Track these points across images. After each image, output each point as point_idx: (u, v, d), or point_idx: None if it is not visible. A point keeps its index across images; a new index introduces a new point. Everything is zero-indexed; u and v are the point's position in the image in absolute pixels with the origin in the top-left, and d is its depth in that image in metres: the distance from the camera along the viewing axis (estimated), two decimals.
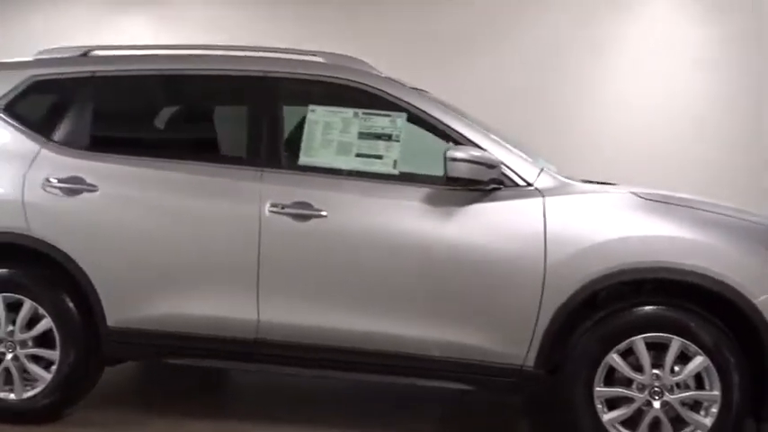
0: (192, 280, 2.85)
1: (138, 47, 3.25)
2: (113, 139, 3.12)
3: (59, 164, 2.95)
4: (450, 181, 2.64)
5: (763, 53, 5.92)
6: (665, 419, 2.56)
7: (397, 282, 2.72)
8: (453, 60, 6.01)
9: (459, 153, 2.60)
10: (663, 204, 2.71)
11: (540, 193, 2.70)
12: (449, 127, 2.82)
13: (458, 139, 2.79)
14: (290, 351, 2.84)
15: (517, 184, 2.73)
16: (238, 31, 6.54)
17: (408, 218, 2.73)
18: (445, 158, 2.61)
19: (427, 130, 2.87)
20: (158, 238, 2.85)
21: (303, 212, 2.75)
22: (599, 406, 2.62)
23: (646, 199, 2.70)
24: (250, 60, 3.03)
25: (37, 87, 3.11)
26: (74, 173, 2.91)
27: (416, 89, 2.99)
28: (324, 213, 2.73)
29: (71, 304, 2.93)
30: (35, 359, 2.96)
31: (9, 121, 3.06)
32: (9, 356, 2.97)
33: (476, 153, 2.62)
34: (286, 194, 2.78)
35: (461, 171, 2.59)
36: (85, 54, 3.22)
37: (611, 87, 6.20)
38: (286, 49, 3.12)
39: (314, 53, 3.08)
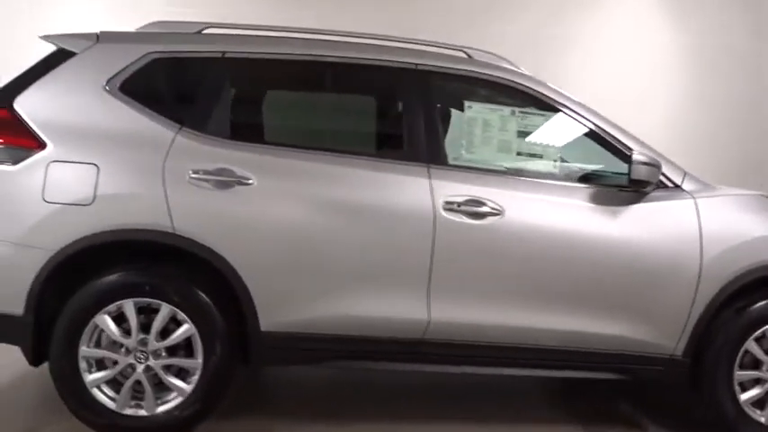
0: (356, 279, 2.71)
1: (255, 26, 2.98)
2: (257, 127, 2.88)
3: (203, 154, 2.66)
4: (633, 183, 2.76)
5: (734, 48, 6.69)
6: None
7: (567, 279, 2.80)
8: None
9: (644, 157, 2.73)
10: None
11: (689, 194, 2.90)
12: (603, 130, 2.93)
13: (612, 143, 2.92)
14: (456, 350, 2.82)
15: (668, 186, 2.91)
16: (215, 8, 6.20)
17: (577, 217, 2.81)
18: (630, 161, 2.72)
19: (579, 131, 2.95)
20: (320, 235, 2.67)
21: (479, 210, 2.73)
22: (737, 388, 2.91)
23: None
24: (402, 51, 2.92)
25: (155, 65, 2.77)
26: (222, 164, 2.65)
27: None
28: (499, 211, 2.74)
29: (215, 308, 2.67)
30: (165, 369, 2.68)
31: (131, 102, 2.70)
32: (141, 368, 2.65)
33: (655, 157, 2.77)
34: (458, 191, 2.74)
35: (642, 174, 2.73)
36: (200, 31, 2.92)
37: (586, 84, 6.63)
38: (425, 41, 3.04)
39: (456, 48, 3.04)
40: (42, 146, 2.60)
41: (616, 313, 2.82)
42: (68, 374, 2.62)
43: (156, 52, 2.77)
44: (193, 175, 2.62)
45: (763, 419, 2.91)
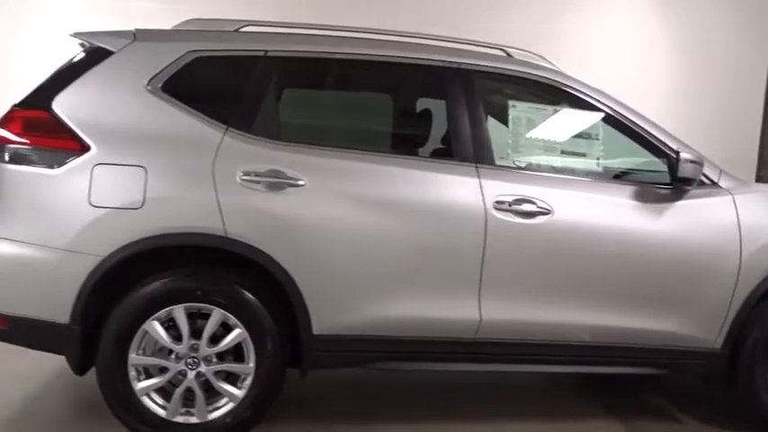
0: (408, 280, 2.70)
1: (293, 24, 2.93)
2: (303, 127, 2.83)
3: (252, 155, 2.61)
4: (679, 180, 2.80)
5: (718, 43, 6.87)
6: None
7: (615, 276, 2.83)
8: None
9: (690, 155, 2.78)
10: None
11: (727, 191, 2.96)
12: (643, 129, 2.96)
13: (652, 141, 2.96)
14: (508, 349, 2.83)
15: (705, 184, 2.97)
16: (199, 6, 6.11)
17: (623, 215, 2.84)
18: (678, 160, 2.76)
19: (620, 130, 2.98)
20: (373, 236, 2.65)
21: (528, 209, 2.74)
22: None
23: None
24: (448, 51, 2.90)
25: (197, 64, 2.69)
26: (273, 166, 2.60)
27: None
28: (549, 210, 2.75)
29: (266, 312, 2.63)
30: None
31: (174, 102, 2.62)
32: (192, 374, 2.59)
33: (700, 156, 2.81)
34: (507, 191, 2.75)
35: (689, 172, 2.78)
36: (238, 30, 2.86)
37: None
38: (462, 39, 3.03)
39: (495, 46, 3.04)
40: (86, 148, 2.51)
41: (663, 309, 2.87)
42: (117, 383, 2.55)
43: (197, 51, 2.70)
44: (244, 177, 2.56)
45: None
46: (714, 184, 2.98)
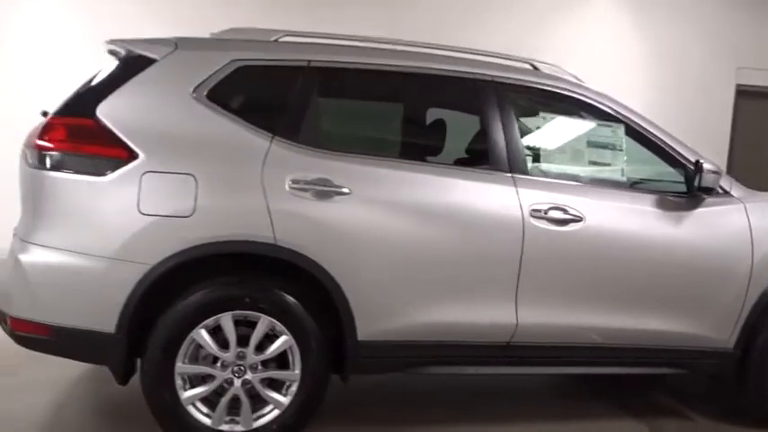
0: (449, 286, 2.77)
1: (331, 35, 2.97)
2: (346, 136, 2.88)
3: (298, 164, 2.63)
4: (701, 190, 2.96)
5: (689, 56, 7.22)
6: None
7: (641, 281, 2.97)
8: None
9: (712, 166, 2.94)
10: None
11: (739, 199, 3.15)
12: (662, 140, 3.12)
13: (670, 152, 3.11)
14: (540, 352, 2.93)
15: (719, 193, 3.14)
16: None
17: (648, 222, 2.99)
18: (701, 170, 2.92)
19: (639, 142, 3.13)
20: (417, 243, 2.71)
21: (562, 217, 2.85)
22: None
23: None
24: (482, 65, 2.99)
25: (240, 73, 2.71)
26: (320, 174, 2.63)
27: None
28: (580, 218, 2.87)
29: (311, 319, 2.65)
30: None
31: (220, 110, 2.63)
32: (238, 382, 2.60)
33: (719, 167, 2.98)
34: (542, 199, 2.85)
35: (710, 181, 2.94)
36: (277, 40, 2.89)
37: None
38: (491, 52, 3.13)
39: (520, 59, 3.15)
40: (133, 156, 2.49)
41: (684, 311, 3.02)
42: (164, 392, 2.53)
43: (240, 60, 2.72)
44: (293, 185, 2.59)
45: None
46: (726, 193, 3.16)
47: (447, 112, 3.16)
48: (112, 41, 2.81)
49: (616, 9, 7.26)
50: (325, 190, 2.62)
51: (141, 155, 2.49)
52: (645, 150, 3.15)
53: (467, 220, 2.76)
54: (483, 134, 2.93)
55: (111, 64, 2.91)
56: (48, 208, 2.49)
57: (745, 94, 7.60)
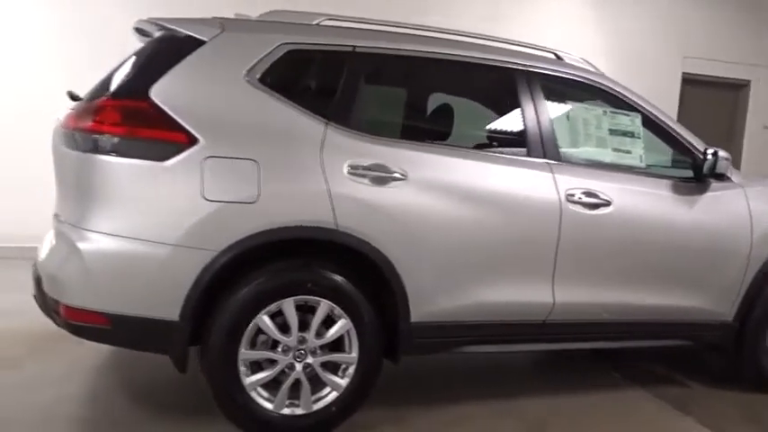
0: (496, 268, 2.88)
1: (371, 20, 2.99)
2: (394, 123, 2.91)
3: (354, 149, 2.66)
4: (714, 176, 3.21)
5: (646, 51, 7.62)
6: None
7: (663, 260, 3.20)
8: None
9: (725, 153, 3.19)
10: None
11: (738, 184, 3.43)
12: (674, 130, 3.34)
13: (679, 139, 3.35)
14: (573, 329, 3.11)
15: (722, 179, 3.40)
16: None
17: (666, 205, 3.21)
18: (717, 157, 3.16)
19: (653, 130, 3.34)
20: (467, 227, 2.79)
21: (593, 201, 3.02)
22: None
23: None
24: (517, 54, 3.09)
25: (290, 57, 2.69)
26: (376, 160, 2.67)
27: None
28: (609, 202, 3.05)
29: (368, 302, 2.71)
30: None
31: (274, 94, 2.61)
32: (299, 366, 2.62)
33: (727, 154, 3.23)
34: (575, 184, 3.01)
35: (723, 167, 3.20)
36: (318, 23, 2.88)
37: None
38: (520, 42, 3.24)
39: (544, 49, 3.28)
40: (193, 140, 2.44)
41: (697, 287, 3.28)
42: (228, 379, 2.53)
43: (289, 44, 2.70)
44: (351, 171, 2.62)
45: None
46: (728, 178, 3.43)
47: (488, 100, 3.24)
48: (152, 20, 2.72)
49: (581, 2, 7.55)
50: (382, 176, 2.66)
51: (201, 139, 2.45)
52: (653, 138, 3.36)
53: (511, 204, 2.88)
54: (520, 122, 3.04)
55: (140, 44, 2.83)
56: (104, 194, 2.41)
57: (690, 83, 8.11)
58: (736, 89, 8.46)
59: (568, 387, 3.51)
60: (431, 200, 2.74)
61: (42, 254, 2.67)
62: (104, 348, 3.46)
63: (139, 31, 2.91)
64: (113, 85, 2.53)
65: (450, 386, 3.48)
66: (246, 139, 2.52)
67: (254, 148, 2.51)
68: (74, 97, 2.88)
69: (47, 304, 2.56)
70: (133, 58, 2.68)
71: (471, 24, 6.65)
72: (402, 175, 2.69)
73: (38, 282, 2.61)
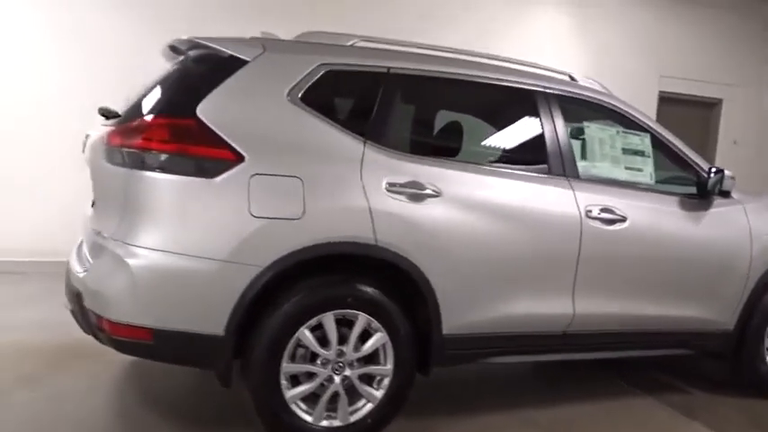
0: (522, 281, 3.00)
1: (402, 42, 3.10)
2: (428, 142, 3.02)
3: (391, 167, 2.75)
4: (720, 193, 3.39)
5: (625, 66, 7.92)
6: None
7: (674, 273, 3.37)
8: None
9: (730, 172, 3.37)
10: None
11: (738, 201, 3.63)
12: (681, 151, 3.53)
13: (684, 158, 3.53)
14: (590, 339, 3.25)
15: (724, 195, 3.60)
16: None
17: (676, 221, 3.38)
18: (723, 176, 3.35)
19: (660, 150, 3.52)
20: (497, 242, 2.90)
21: (610, 217, 3.16)
22: None
23: None
24: (540, 77, 3.24)
25: (329, 77, 2.77)
26: (412, 178, 2.76)
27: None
28: (624, 218, 3.20)
29: (403, 316, 2.79)
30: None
31: (316, 113, 2.69)
32: (338, 379, 2.68)
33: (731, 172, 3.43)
34: (594, 201, 3.15)
35: (729, 185, 3.39)
36: (352, 45, 2.97)
37: None
38: (537, 64, 3.39)
39: (559, 71, 3.43)
40: (239, 157, 2.50)
41: (704, 299, 3.46)
42: (271, 392, 2.57)
43: (327, 64, 2.78)
44: (390, 188, 2.70)
45: None
46: (729, 195, 3.62)
47: (513, 121, 3.36)
48: (198, 38, 2.77)
49: (567, 18, 7.81)
50: (418, 193, 2.75)
51: (247, 157, 2.50)
52: (659, 156, 3.53)
53: (537, 220, 3.00)
54: (542, 141, 3.17)
55: (175, 62, 2.85)
56: (152, 209, 2.44)
57: (666, 101, 8.43)
58: (709, 107, 8.81)
59: (580, 395, 3.64)
60: (462, 216, 2.84)
61: (79, 269, 2.67)
62: (123, 362, 3.45)
63: (173, 49, 2.94)
64: (159, 103, 2.57)
65: (471, 397, 3.56)
66: (290, 156, 2.59)
67: (297, 165, 2.57)
68: (106, 113, 2.89)
69: (87, 320, 2.57)
70: (174, 76, 2.71)
71: (466, 42, 6.90)
72: (436, 192, 2.78)
73: (77, 297, 2.61)
